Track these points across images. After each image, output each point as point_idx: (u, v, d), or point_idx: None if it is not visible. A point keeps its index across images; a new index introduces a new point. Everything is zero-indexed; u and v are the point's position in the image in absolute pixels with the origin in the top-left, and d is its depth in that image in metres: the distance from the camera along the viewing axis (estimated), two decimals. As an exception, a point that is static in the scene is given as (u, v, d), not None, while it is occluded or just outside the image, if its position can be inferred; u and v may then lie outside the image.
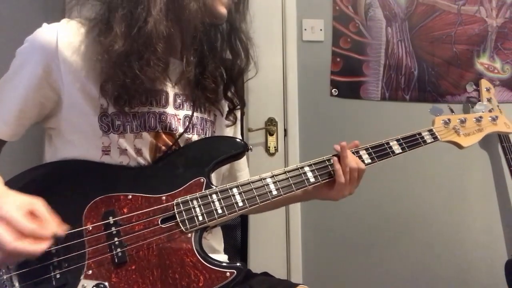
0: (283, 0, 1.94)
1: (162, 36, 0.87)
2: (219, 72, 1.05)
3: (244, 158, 1.19)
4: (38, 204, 0.74)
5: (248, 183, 0.93)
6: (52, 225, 0.73)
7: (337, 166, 1.00)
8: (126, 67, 0.84)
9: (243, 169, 1.19)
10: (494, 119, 1.24)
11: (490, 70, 1.98)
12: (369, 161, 1.05)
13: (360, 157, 1.05)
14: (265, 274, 1.12)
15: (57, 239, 0.74)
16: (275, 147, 1.90)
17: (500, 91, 1.97)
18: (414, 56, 1.95)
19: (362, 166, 1.03)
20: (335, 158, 1.02)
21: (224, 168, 1.10)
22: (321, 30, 1.94)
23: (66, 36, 0.87)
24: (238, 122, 1.19)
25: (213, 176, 1.06)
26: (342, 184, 1.00)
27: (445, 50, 1.96)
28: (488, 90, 1.81)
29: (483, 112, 1.25)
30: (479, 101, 1.78)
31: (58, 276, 0.76)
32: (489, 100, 1.73)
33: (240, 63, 1.05)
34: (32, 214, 0.72)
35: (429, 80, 1.95)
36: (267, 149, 1.89)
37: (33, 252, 0.70)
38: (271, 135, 1.90)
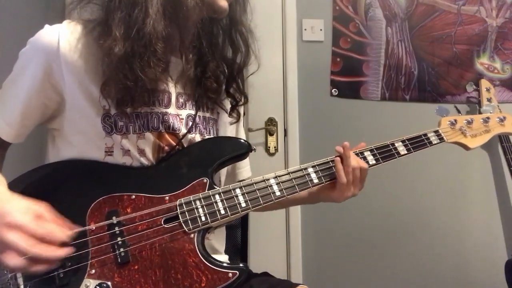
0: (283, 0, 1.94)
1: (161, 36, 0.86)
2: (221, 71, 1.04)
3: None
4: (45, 208, 0.73)
5: (252, 184, 0.93)
6: (61, 229, 0.73)
7: (339, 166, 1.00)
8: (127, 70, 0.84)
9: (244, 167, 1.18)
10: (502, 120, 1.21)
11: (490, 70, 1.98)
12: (374, 162, 1.05)
13: (364, 158, 1.04)
14: (265, 274, 1.12)
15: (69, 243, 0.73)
16: (275, 147, 1.89)
17: (500, 91, 1.97)
18: (414, 56, 1.95)
19: (364, 165, 1.02)
20: (338, 159, 1.01)
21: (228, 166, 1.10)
22: (321, 30, 1.94)
23: (67, 37, 0.87)
24: (241, 120, 1.18)
25: (218, 174, 1.06)
26: (344, 184, 0.99)
27: (445, 50, 1.96)
28: (488, 90, 1.81)
29: (491, 113, 1.22)
30: (479, 101, 1.80)
31: (61, 275, 0.76)
32: (489, 100, 1.74)
33: (241, 58, 1.04)
34: (39, 219, 0.71)
35: (429, 80, 1.96)
36: (267, 149, 1.89)
37: (55, 257, 0.70)
38: (271, 135, 1.90)
